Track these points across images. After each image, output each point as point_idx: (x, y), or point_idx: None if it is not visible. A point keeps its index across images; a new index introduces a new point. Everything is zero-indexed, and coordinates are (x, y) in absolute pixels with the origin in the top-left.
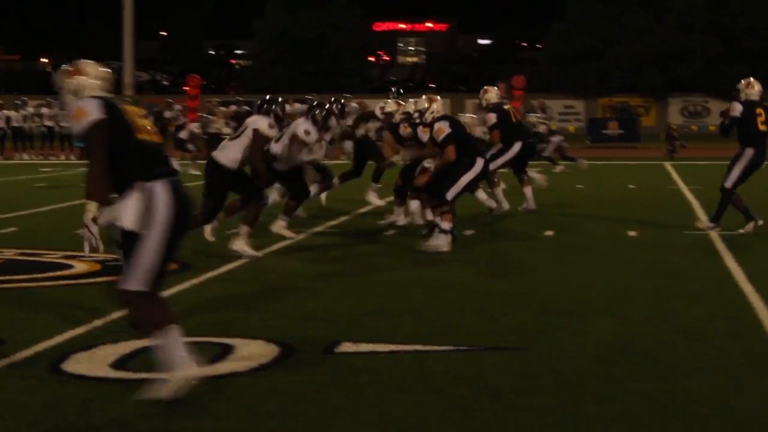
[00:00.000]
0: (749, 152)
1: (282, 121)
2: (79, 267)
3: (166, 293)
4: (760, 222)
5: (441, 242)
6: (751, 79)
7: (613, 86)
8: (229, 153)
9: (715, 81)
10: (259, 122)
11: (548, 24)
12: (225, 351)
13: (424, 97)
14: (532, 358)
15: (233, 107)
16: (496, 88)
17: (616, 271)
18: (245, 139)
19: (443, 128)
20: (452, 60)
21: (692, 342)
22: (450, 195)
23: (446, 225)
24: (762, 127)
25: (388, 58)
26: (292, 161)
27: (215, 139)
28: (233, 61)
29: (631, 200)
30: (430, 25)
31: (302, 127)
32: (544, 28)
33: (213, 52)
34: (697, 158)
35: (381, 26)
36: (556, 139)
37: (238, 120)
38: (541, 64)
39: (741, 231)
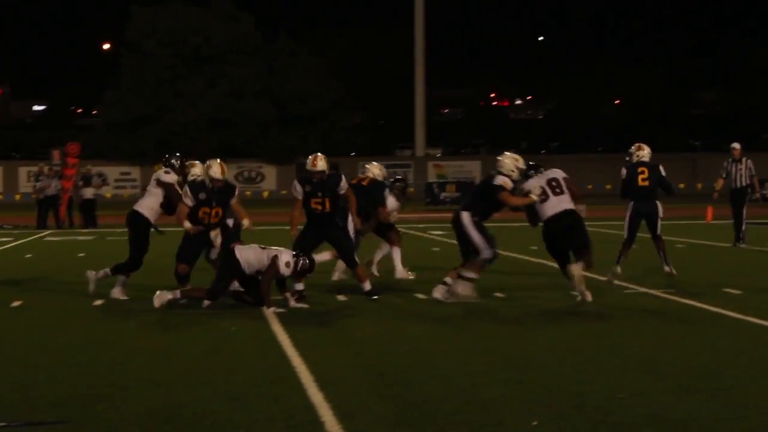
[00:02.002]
0: (630, 204)
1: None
2: None
3: None
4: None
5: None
6: (641, 144)
7: (170, 152)
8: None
9: (268, 146)
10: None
11: (103, 90)
12: None
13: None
14: None
15: None
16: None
17: (163, 338)
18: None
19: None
20: (5, 126)
21: (234, 408)
22: None
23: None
24: (643, 183)
25: None
26: None
27: None
28: None
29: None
30: None
31: None
32: (99, 94)
33: None
34: (259, 224)
35: None
36: None
37: None
38: (97, 130)
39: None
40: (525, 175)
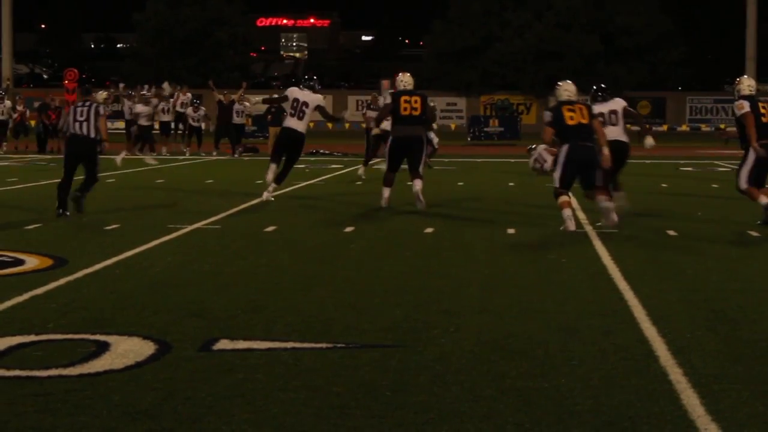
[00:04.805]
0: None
1: None
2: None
3: (39, 290)
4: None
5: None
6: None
7: (495, 83)
8: None
9: (593, 79)
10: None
11: (431, 21)
12: (101, 348)
13: None
14: (407, 356)
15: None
16: None
17: (493, 268)
18: None
19: None
20: (334, 56)
21: (566, 339)
22: None
23: None
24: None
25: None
26: None
27: None
28: None
29: (511, 198)
30: (312, 20)
31: None
32: (426, 24)
33: (93, 45)
34: None
35: (264, 21)
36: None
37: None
38: (424, 60)
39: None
40: None
